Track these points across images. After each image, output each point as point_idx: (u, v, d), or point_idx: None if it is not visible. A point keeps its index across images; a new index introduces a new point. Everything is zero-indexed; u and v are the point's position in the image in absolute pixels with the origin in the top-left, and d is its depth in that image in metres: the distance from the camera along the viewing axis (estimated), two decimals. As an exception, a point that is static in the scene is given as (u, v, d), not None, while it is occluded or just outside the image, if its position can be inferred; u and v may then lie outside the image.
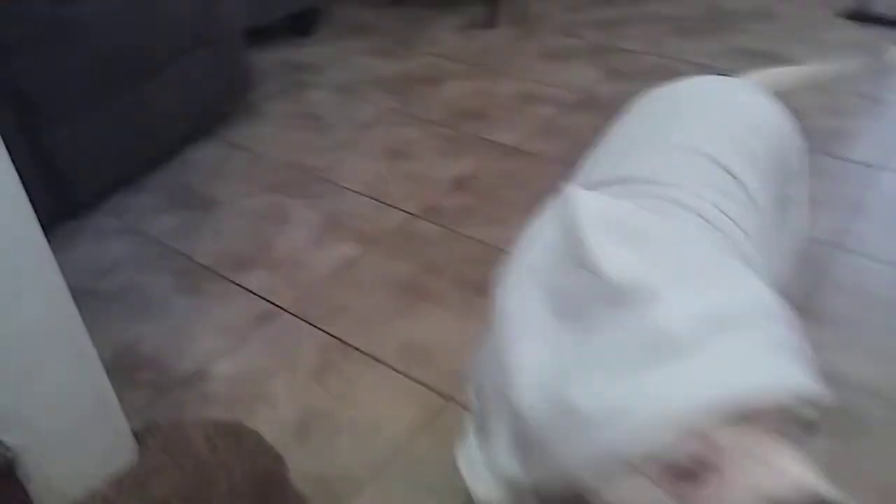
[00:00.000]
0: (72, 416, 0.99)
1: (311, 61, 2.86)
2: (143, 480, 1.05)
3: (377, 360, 1.56)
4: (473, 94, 2.57)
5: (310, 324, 1.65)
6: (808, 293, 1.63)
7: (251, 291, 1.75)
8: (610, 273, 0.59)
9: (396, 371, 1.53)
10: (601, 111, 2.38)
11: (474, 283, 1.74)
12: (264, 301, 1.72)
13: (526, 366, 0.67)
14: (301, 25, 3.04)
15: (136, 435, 1.13)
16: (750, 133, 1.01)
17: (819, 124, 2.20)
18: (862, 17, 2.92)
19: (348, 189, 2.11)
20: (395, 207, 2.02)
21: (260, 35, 2.76)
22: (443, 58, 2.86)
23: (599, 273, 0.60)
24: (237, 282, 1.78)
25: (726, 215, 0.88)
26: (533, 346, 0.67)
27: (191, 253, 1.87)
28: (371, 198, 2.07)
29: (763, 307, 0.62)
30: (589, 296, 0.62)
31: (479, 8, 3.18)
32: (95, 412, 1.03)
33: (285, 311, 1.69)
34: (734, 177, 0.94)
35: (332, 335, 1.62)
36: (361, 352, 1.58)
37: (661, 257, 0.62)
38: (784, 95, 1.19)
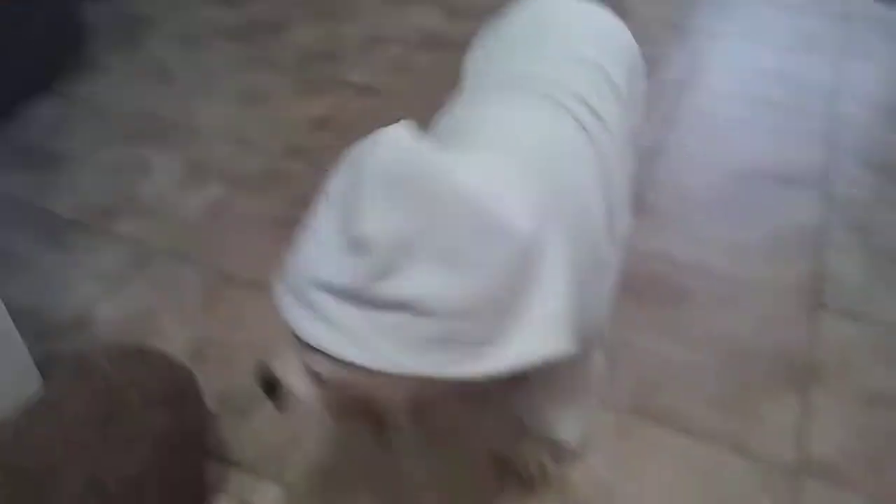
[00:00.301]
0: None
1: (147, 12, 2.76)
2: (54, 405, 1.09)
3: (262, 287, 1.63)
4: (321, 38, 2.63)
5: (189, 262, 1.69)
6: (637, 192, 1.88)
7: (122, 238, 1.75)
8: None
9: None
10: (446, 49, 2.54)
11: (345, 211, 1.85)
12: (138, 246, 1.73)
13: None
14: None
15: (39, 367, 1.15)
16: (611, 42, 1.17)
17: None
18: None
19: (206, 135, 2.12)
20: (258, 148, 2.07)
21: (87, -13, 2.63)
22: (285, 4, 2.87)
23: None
24: (106, 230, 1.77)
25: (597, 113, 1.00)
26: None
27: (51, 207, 1.83)
28: (231, 141, 2.09)
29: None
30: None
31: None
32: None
33: (161, 252, 1.72)
34: (609, 78, 1.08)
35: (214, 268, 1.67)
36: (246, 281, 1.65)
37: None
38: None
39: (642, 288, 1.64)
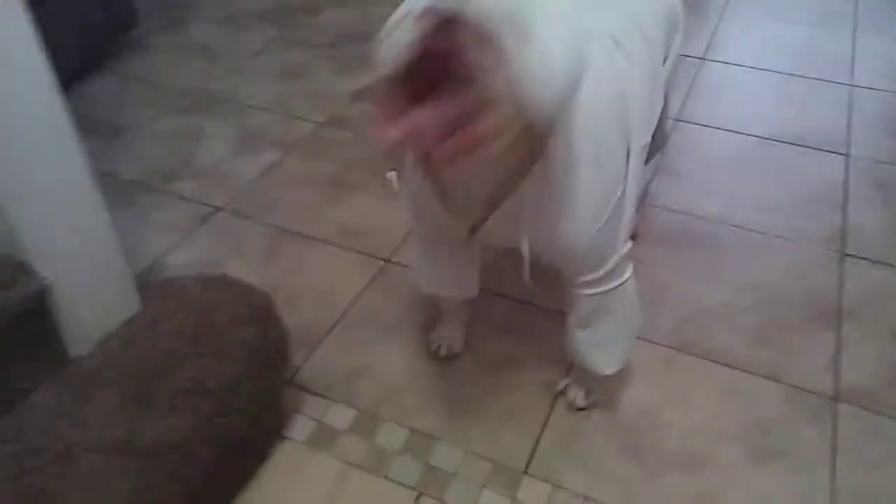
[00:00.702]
0: (91, 263, 1.11)
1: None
2: (152, 322, 1.19)
3: (318, 239, 1.74)
4: (354, 20, 2.73)
5: (249, 218, 1.79)
6: (659, 155, 1.98)
7: (185, 198, 1.85)
8: None
9: (337, 246, 1.72)
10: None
11: (388, 171, 1.95)
12: (200, 204, 1.83)
13: None
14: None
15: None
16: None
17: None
18: None
19: (254, 107, 2.22)
20: (304, 119, 2.17)
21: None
22: (318, -12, 2.98)
23: None
24: (169, 190, 1.87)
25: (621, 45, 1.13)
26: None
27: (114, 172, 1.93)
28: (278, 112, 2.20)
29: None
30: None
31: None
32: (108, 261, 1.15)
33: (222, 209, 1.82)
34: (641, 26, 1.19)
35: (272, 224, 1.77)
36: (303, 235, 1.75)
37: None
38: None
39: (677, 239, 1.74)
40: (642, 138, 1.12)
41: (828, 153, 2.02)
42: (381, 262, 1.68)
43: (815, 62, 2.43)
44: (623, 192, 1.06)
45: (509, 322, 1.54)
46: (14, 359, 1.07)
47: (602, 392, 1.38)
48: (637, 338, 1.38)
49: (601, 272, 1.09)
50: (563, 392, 1.39)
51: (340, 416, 1.35)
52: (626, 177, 1.06)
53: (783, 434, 1.33)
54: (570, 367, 1.39)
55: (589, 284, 1.12)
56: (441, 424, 1.34)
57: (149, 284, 1.25)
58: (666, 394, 1.40)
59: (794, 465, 1.28)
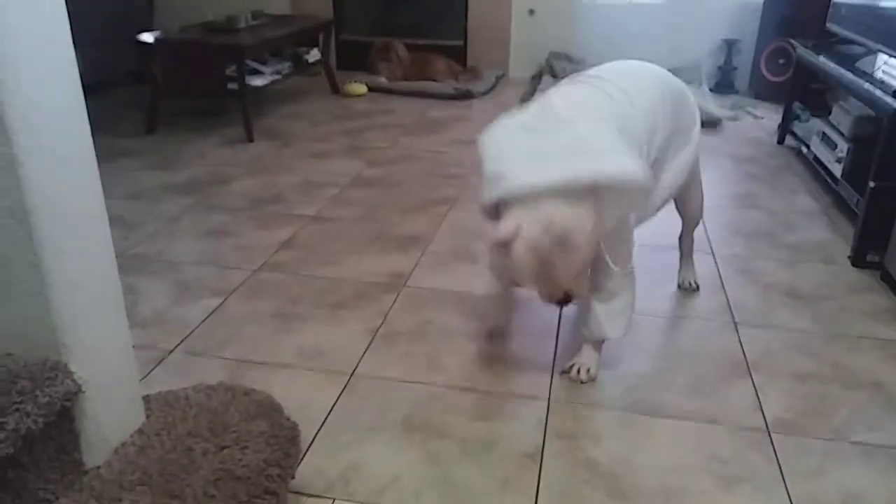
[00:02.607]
0: (115, 363, 1.15)
1: (88, 181, 2.96)
2: (165, 427, 1.21)
3: (280, 364, 1.80)
4: (264, 187, 2.94)
5: (204, 355, 1.82)
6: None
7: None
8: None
9: (301, 368, 1.79)
10: (374, 186, 2.95)
11: (332, 304, 2.08)
12: (150, 349, 1.84)
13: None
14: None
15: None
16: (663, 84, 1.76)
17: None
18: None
19: (185, 263, 2.30)
20: (237, 268, 2.27)
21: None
22: (220, 165, 3.19)
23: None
24: (116, 339, 1.87)
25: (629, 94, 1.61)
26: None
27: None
28: (210, 265, 2.29)
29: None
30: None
31: (234, 128, 3.59)
32: (126, 363, 1.18)
33: (174, 351, 1.84)
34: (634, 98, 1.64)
35: (230, 357, 1.81)
36: (264, 363, 1.80)
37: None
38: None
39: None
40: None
41: (700, 253, 2.40)
42: (347, 376, 1.76)
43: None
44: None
45: (479, 410, 1.66)
46: (38, 466, 1.05)
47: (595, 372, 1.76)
48: (597, 405, 1.65)
49: (631, 262, 1.69)
50: (567, 371, 1.78)
51: (344, 513, 1.37)
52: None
53: (738, 463, 1.52)
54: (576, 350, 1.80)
55: (623, 265, 1.67)
56: (445, 501, 1.39)
57: (151, 398, 1.28)
58: (632, 445, 1.56)
59: (755, 486, 1.46)
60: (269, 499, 1.12)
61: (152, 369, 1.77)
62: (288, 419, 1.29)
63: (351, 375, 1.77)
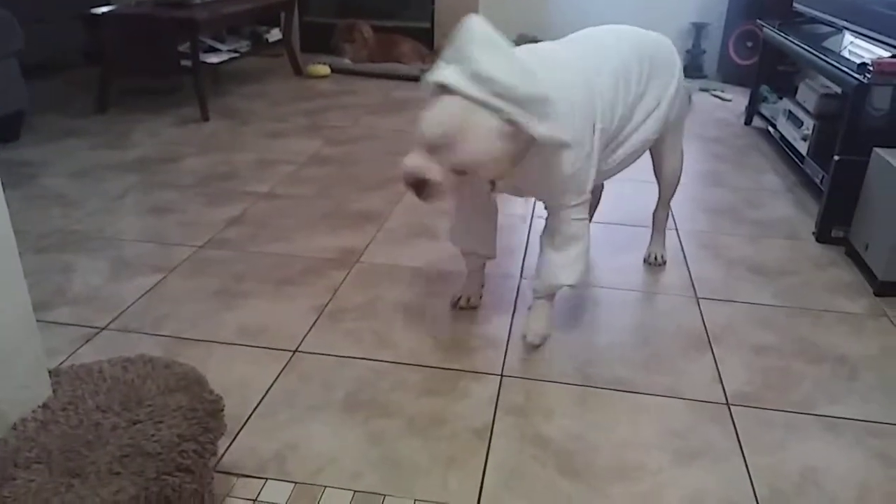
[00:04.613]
0: (8, 340, 1.04)
1: (34, 159, 2.83)
2: (72, 401, 1.11)
3: (219, 342, 1.70)
4: (216, 164, 2.82)
5: (137, 332, 1.72)
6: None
7: (61, 323, 1.74)
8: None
9: (241, 346, 1.69)
10: (332, 164, 2.85)
11: (279, 281, 1.98)
12: (80, 327, 1.73)
13: None
14: (7, 130, 2.98)
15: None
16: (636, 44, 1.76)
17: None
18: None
19: (126, 240, 2.18)
20: (180, 244, 2.16)
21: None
22: (172, 144, 3.06)
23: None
24: (42, 319, 1.75)
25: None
26: None
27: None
28: (153, 242, 2.17)
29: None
30: None
31: (189, 107, 3.46)
32: (24, 341, 1.07)
33: (105, 328, 1.73)
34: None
35: (165, 335, 1.71)
36: (202, 340, 1.70)
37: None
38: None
39: (563, 301, 1.90)
40: (602, 123, 1.60)
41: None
42: (290, 353, 1.66)
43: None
44: (589, 153, 1.58)
45: (428, 387, 1.58)
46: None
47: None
48: (551, 381, 1.58)
49: (581, 199, 1.62)
50: (525, 336, 1.74)
51: (277, 492, 1.27)
52: (592, 143, 1.58)
53: (696, 437, 1.45)
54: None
55: (573, 209, 1.62)
56: (384, 482, 1.31)
57: (61, 371, 1.17)
58: (587, 421, 1.48)
59: (713, 460, 1.39)
60: (181, 476, 1.03)
61: (80, 347, 1.66)
62: (211, 392, 1.20)
63: (294, 353, 1.67)
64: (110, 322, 1.76)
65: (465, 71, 1.33)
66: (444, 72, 1.36)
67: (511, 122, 1.34)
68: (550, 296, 1.75)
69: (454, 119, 1.33)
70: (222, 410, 1.21)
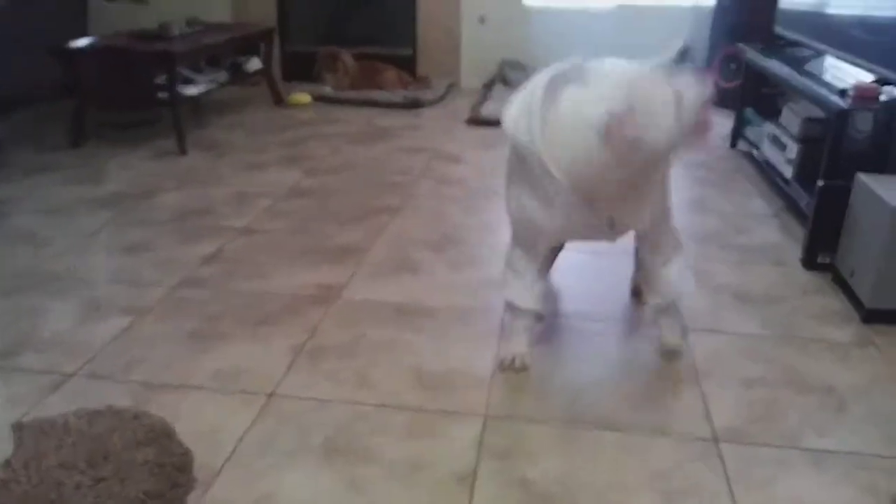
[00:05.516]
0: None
1: (4, 195, 2.77)
2: (35, 458, 1.06)
3: (193, 387, 1.64)
4: (192, 199, 2.78)
5: (108, 379, 1.66)
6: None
7: (27, 370, 1.68)
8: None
9: (215, 391, 1.63)
10: (312, 196, 2.81)
11: (256, 320, 1.93)
12: (47, 374, 1.67)
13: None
14: (-21, 167, 2.93)
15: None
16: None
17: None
18: (477, 121, 3.87)
19: (97, 280, 2.13)
20: (154, 284, 2.11)
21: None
22: (148, 178, 3.01)
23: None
24: (8, 367, 1.69)
25: None
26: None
27: (-62, 355, 1.72)
28: (124, 282, 2.12)
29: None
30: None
31: (166, 140, 3.42)
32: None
33: (74, 375, 1.67)
34: None
35: (136, 381, 1.65)
36: (174, 385, 1.64)
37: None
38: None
39: (548, 336, 1.86)
40: None
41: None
42: (266, 397, 1.61)
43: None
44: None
45: (410, 429, 1.53)
46: None
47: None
48: (535, 421, 1.56)
49: (668, 233, 1.75)
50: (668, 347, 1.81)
51: (250, 550, 1.22)
52: None
53: (683, 477, 1.40)
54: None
55: (663, 255, 1.74)
56: (363, 534, 1.26)
57: (24, 426, 1.12)
58: (572, 463, 1.44)
59: (701, 500, 1.35)
60: (145, 540, 0.98)
61: (48, 396, 1.59)
62: (180, 444, 1.15)
63: (270, 396, 1.62)
64: (80, 368, 1.70)
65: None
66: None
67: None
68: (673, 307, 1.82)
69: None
70: (191, 464, 1.15)
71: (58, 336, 1.84)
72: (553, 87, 1.44)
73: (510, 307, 1.79)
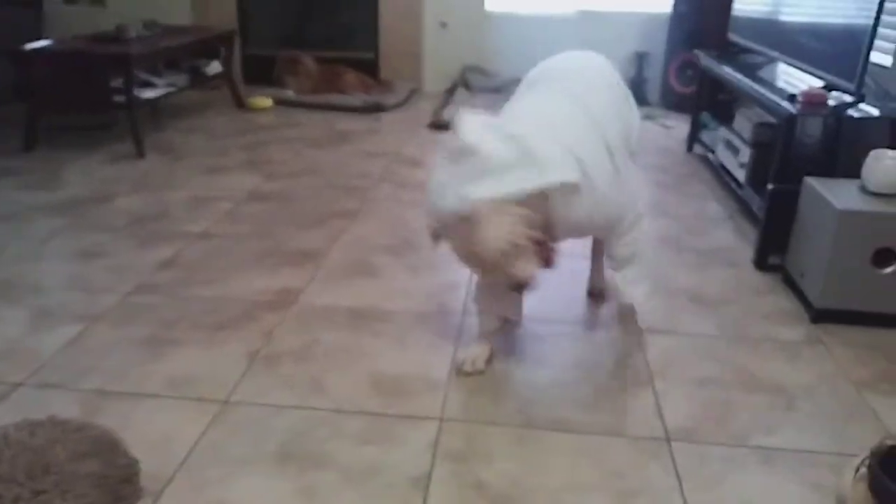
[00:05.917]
0: None
1: (-47, 202, 2.70)
2: (-31, 475, 1.03)
3: (145, 395, 1.62)
4: (149, 204, 2.74)
5: (58, 388, 1.62)
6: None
7: (-26, 379, 1.64)
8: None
9: (168, 398, 1.61)
10: (271, 200, 2.79)
11: (211, 326, 1.91)
12: (-6, 383, 1.63)
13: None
14: (-73, 173, 2.85)
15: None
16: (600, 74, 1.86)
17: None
18: (438, 126, 3.89)
19: (48, 288, 2.08)
20: (107, 290, 2.07)
21: None
22: (104, 182, 2.96)
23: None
24: (-47, 375, 1.65)
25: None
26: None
27: None
28: (78, 289, 2.08)
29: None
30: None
31: (124, 144, 3.36)
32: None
33: (22, 384, 1.63)
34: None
35: (88, 389, 1.62)
36: (126, 393, 1.62)
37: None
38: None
39: (513, 335, 1.88)
40: (616, 140, 1.70)
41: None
42: (220, 404, 1.59)
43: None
44: (614, 180, 1.64)
45: (365, 435, 1.52)
46: None
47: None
48: (491, 423, 1.55)
49: (625, 225, 1.74)
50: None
51: (201, 558, 1.21)
52: (615, 170, 1.65)
53: (635, 476, 1.42)
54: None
55: (620, 236, 1.76)
56: (316, 541, 1.25)
57: (-40, 439, 1.09)
58: (527, 465, 1.45)
59: (653, 499, 1.37)
60: (87, 553, 0.96)
61: (-7, 407, 1.56)
62: (126, 455, 1.13)
63: (224, 403, 1.60)
64: (28, 377, 1.66)
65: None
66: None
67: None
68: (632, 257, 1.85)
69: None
70: (137, 475, 1.14)
71: (6, 344, 1.79)
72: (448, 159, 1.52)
73: (478, 310, 1.82)
